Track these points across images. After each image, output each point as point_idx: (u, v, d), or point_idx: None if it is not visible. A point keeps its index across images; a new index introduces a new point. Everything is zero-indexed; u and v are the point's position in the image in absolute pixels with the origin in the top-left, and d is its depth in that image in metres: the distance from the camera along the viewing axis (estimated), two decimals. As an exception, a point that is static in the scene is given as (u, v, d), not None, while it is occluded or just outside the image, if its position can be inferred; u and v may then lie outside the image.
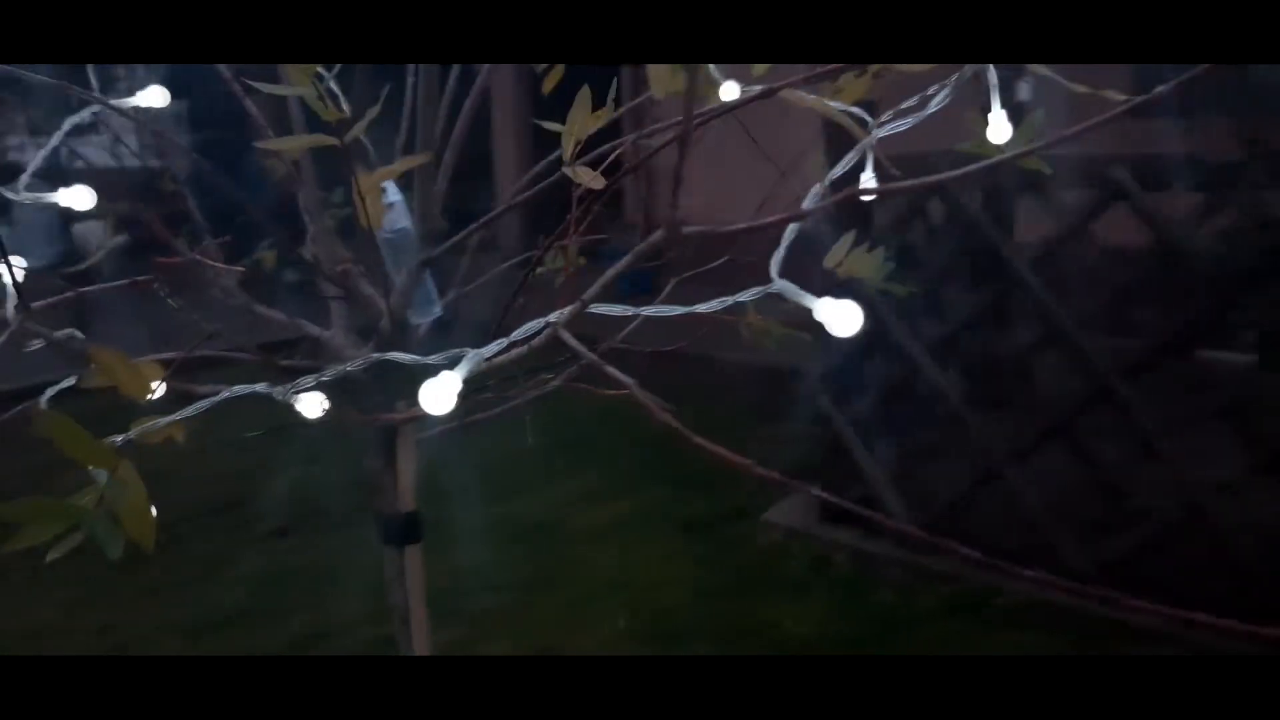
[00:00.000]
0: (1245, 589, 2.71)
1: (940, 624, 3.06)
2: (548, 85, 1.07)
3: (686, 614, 3.16)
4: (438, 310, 1.16)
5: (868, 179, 1.05)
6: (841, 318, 0.76)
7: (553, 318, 0.83)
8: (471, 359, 0.76)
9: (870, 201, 3.55)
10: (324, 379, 0.91)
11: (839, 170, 1.13)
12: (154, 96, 1.08)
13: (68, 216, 5.87)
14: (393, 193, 1.11)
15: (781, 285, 0.76)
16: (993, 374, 3.42)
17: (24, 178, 1.05)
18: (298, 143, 0.86)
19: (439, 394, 0.72)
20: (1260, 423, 2.76)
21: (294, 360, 0.99)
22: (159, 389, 0.89)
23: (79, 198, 1.02)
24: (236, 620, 3.23)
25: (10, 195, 0.96)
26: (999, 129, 0.88)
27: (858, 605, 3.20)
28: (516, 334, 0.84)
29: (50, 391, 0.85)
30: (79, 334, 0.97)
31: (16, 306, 0.91)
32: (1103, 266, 3.22)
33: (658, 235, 0.90)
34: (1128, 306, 3.13)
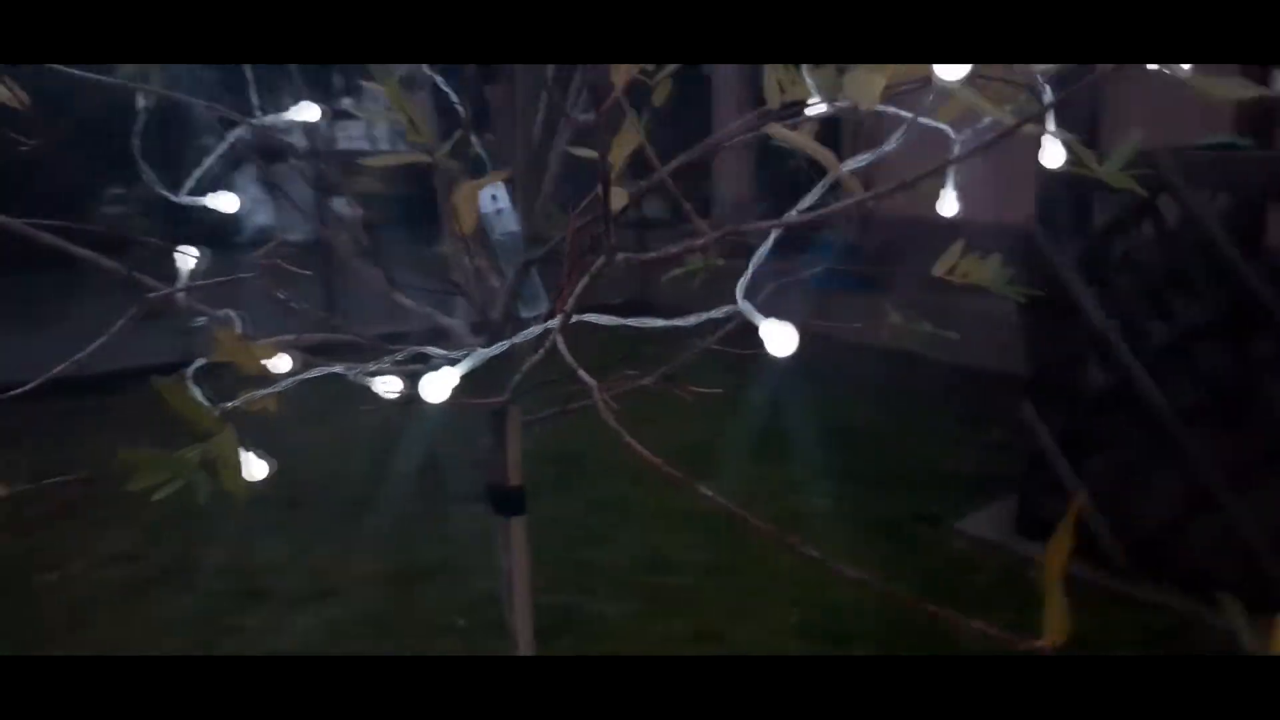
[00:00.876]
0: None
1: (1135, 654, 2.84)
2: (658, 96, 1.10)
3: (859, 614, 3.11)
4: (544, 306, 1.24)
5: (949, 197, 1.02)
6: (781, 339, 0.76)
7: (553, 323, 0.89)
8: (475, 357, 0.84)
9: (1090, 197, 3.33)
10: (446, 365, 1.00)
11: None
12: (307, 112, 1.20)
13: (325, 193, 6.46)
14: (503, 199, 1.20)
15: (744, 306, 0.77)
16: (1217, 390, 3.11)
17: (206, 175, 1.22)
18: (395, 159, 0.96)
19: (438, 385, 0.80)
20: None
21: (403, 348, 1.09)
22: (285, 364, 1.03)
23: (227, 202, 1.17)
24: (437, 570, 3.51)
25: (170, 196, 1.12)
26: (1052, 153, 0.83)
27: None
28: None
29: (195, 365, 0.99)
30: (233, 314, 1.12)
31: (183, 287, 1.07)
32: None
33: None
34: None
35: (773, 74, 0.97)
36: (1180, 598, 2.99)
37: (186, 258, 1.15)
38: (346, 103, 1.79)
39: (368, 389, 1.07)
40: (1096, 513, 3.23)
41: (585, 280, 0.90)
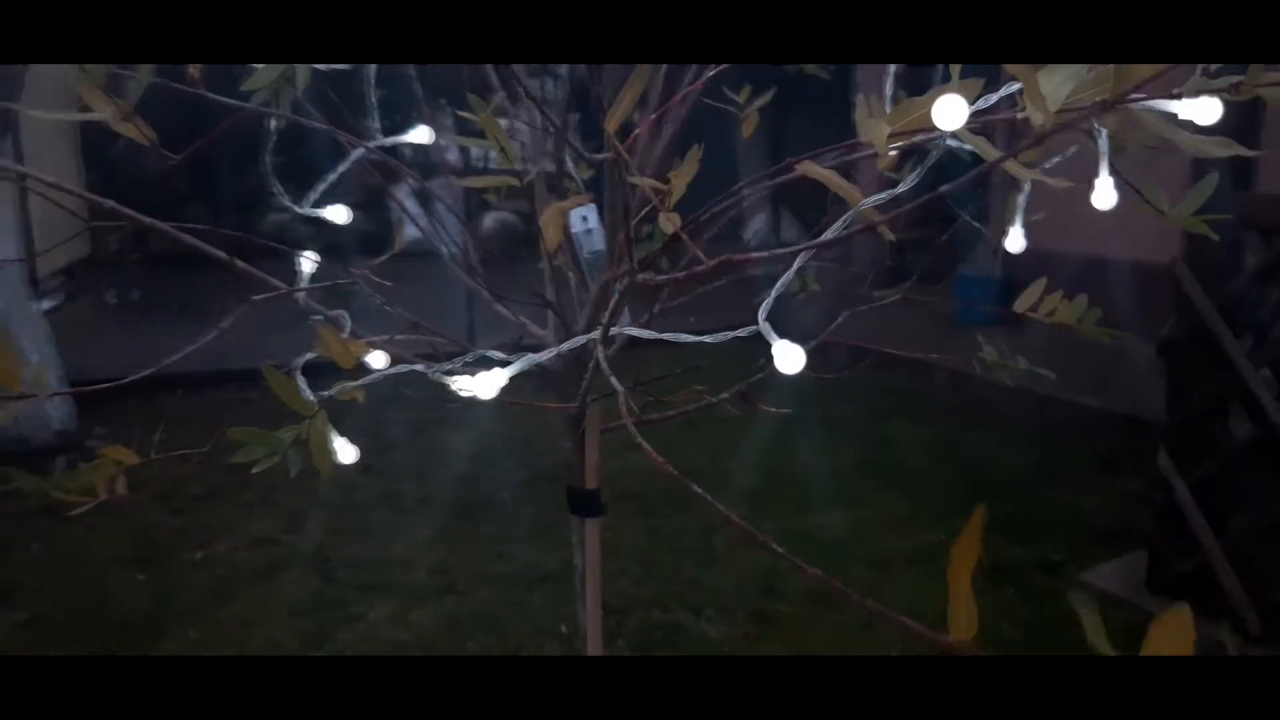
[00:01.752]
0: None
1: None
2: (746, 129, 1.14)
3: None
4: (627, 320, 1.30)
5: (1015, 234, 1.02)
6: (791, 359, 0.79)
7: (595, 334, 0.94)
8: (524, 360, 0.90)
9: (1242, 238, 3.16)
10: (522, 368, 1.08)
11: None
12: (421, 135, 1.30)
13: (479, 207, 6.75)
14: (593, 219, 1.28)
15: (763, 326, 0.80)
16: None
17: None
18: (491, 182, 1.04)
19: (487, 383, 0.88)
20: None
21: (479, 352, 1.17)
22: (381, 361, 1.13)
23: (338, 214, 1.28)
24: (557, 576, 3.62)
25: (295, 208, 1.24)
26: (1103, 194, 0.81)
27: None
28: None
29: (301, 360, 1.10)
30: (345, 314, 1.22)
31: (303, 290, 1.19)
32: None
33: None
34: None
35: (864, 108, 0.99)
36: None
37: (307, 261, 1.27)
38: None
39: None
40: (1232, 573, 3.04)
41: (616, 298, 0.95)
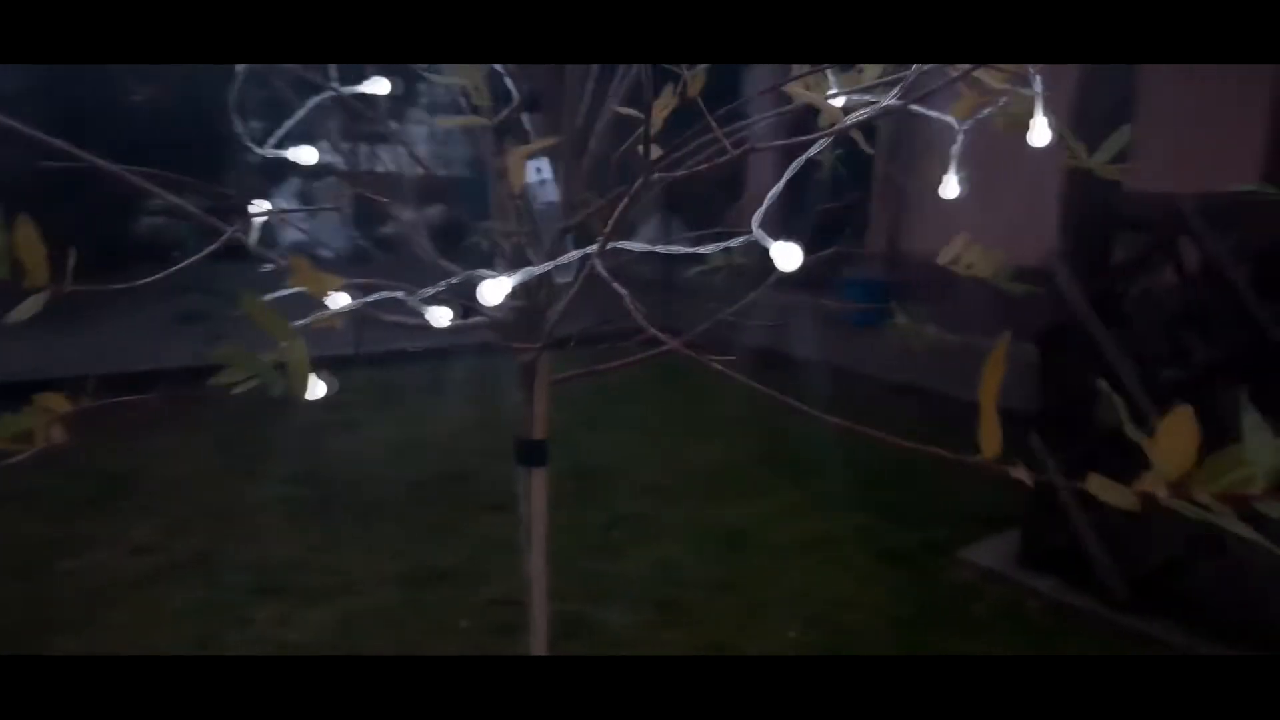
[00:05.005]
0: None
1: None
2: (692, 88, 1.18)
3: (860, 636, 3.16)
4: (574, 272, 1.33)
5: (950, 181, 1.10)
6: (786, 256, 0.86)
7: (592, 249, 0.97)
8: (525, 272, 0.93)
9: (1111, 237, 3.39)
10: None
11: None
12: (378, 85, 1.31)
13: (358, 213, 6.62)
14: (546, 171, 1.30)
15: (758, 232, 0.86)
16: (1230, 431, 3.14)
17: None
18: (471, 121, 1.05)
19: (495, 290, 0.90)
20: None
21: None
22: (344, 299, 1.12)
23: (307, 155, 1.27)
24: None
25: (256, 149, 1.23)
26: (1040, 132, 0.91)
27: (1042, 655, 3.05)
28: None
29: (305, 321, 1.09)
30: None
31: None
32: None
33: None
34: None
35: (799, 76, 1.05)
36: (1181, 632, 3.02)
37: (260, 207, 1.24)
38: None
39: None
40: (1100, 547, 3.26)
41: (625, 203, 0.98)
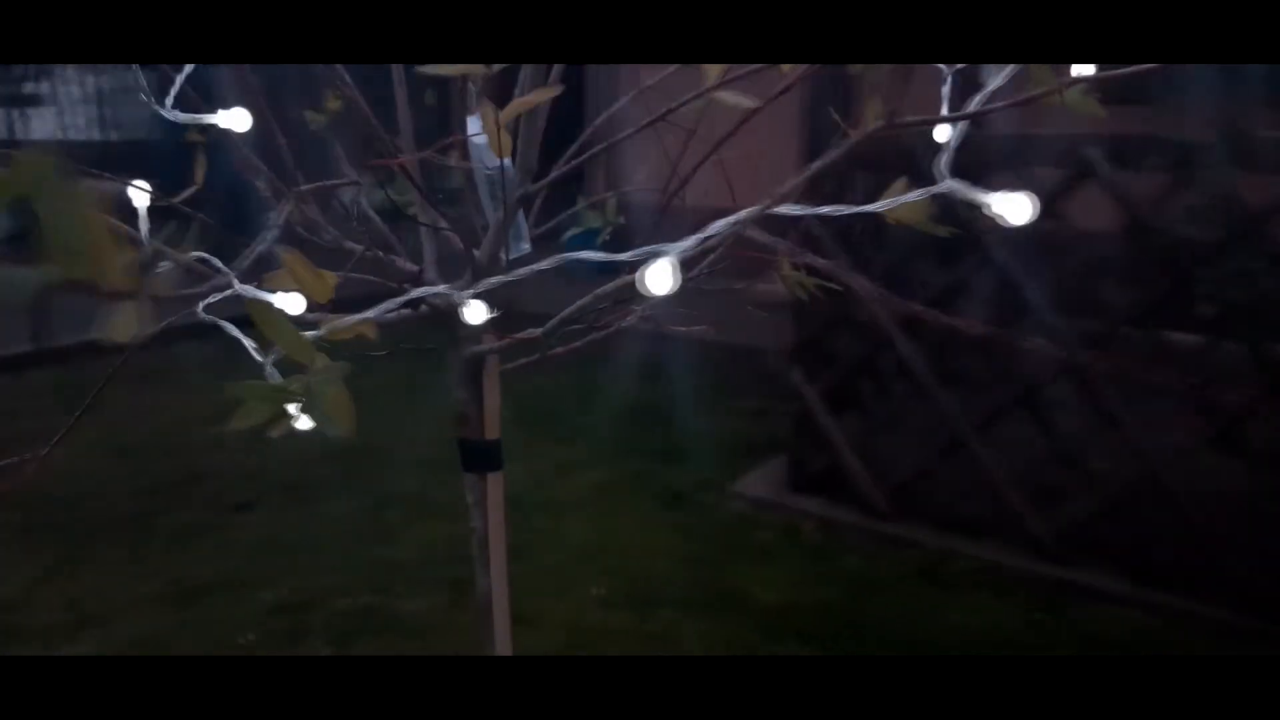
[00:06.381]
0: (1197, 551, 2.84)
1: (902, 588, 3.17)
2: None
3: (660, 581, 3.23)
4: (527, 247, 1.20)
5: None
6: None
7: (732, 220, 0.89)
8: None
9: (841, 177, 3.62)
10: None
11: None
12: (237, 119, 1.06)
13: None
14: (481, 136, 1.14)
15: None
16: (960, 350, 3.52)
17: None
18: (454, 69, 0.88)
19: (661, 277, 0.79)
20: (1213, 396, 2.89)
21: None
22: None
23: (238, 120, 1.03)
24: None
25: (164, 113, 0.98)
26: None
27: (825, 572, 3.29)
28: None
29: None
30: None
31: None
32: (1075, 246, 3.32)
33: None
34: (1096, 285, 3.24)
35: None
36: (934, 535, 3.37)
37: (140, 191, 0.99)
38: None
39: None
40: (859, 463, 3.55)
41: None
